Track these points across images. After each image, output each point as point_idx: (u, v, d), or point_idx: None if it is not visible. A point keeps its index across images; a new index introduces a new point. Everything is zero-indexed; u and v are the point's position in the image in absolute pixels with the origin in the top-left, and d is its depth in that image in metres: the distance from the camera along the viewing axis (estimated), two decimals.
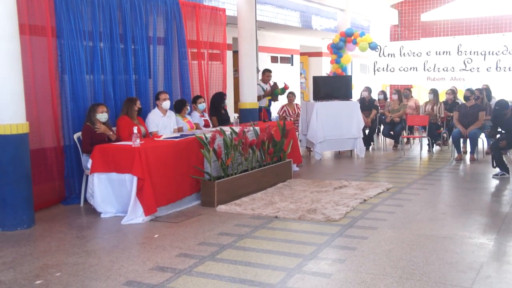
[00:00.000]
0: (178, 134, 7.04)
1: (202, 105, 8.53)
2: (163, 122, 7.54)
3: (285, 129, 7.96)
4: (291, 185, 7.58)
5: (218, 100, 9.09)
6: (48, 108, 6.61)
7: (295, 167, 8.78)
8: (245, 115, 9.76)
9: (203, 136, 6.62)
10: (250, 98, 10.14)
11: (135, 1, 7.78)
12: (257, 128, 7.79)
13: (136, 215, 5.76)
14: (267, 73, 11.11)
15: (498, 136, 8.48)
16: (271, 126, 7.86)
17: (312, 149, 10.43)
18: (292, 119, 11.19)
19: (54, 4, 6.61)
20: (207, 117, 8.71)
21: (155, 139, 6.62)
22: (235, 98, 12.96)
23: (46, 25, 6.52)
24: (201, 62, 9.22)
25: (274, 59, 16.15)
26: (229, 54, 12.80)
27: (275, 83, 11.28)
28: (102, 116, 6.61)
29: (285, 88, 11.12)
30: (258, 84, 10.77)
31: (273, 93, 11.03)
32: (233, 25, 10.86)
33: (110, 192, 5.97)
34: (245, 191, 6.88)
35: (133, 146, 5.89)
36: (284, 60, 16.74)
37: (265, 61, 15.08)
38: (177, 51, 8.60)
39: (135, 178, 5.74)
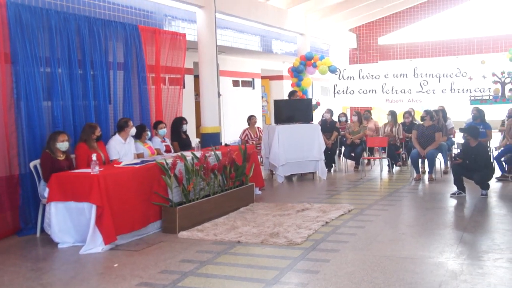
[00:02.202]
0: (138, 160, 6.94)
1: (163, 131, 8.47)
2: (124, 149, 7.44)
3: (246, 152, 7.97)
4: (254, 209, 7.55)
5: (178, 125, 9.04)
6: (2, 135, 6.40)
7: (257, 191, 8.77)
8: (207, 140, 9.73)
9: (164, 162, 6.55)
10: (211, 122, 10.13)
11: (93, 26, 7.73)
12: (218, 152, 7.76)
13: (95, 244, 5.63)
14: (295, 94, 11.57)
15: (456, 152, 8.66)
16: (233, 150, 7.86)
17: (274, 172, 10.44)
18: (254, 142, 11.22)
19: (9, 29, 6.47)
20: (168, 142, 8.64)
21: (115, 165, 6.51)
22: (196, 123, 12.93)
23: (0, 51, 6.37)
24: (161, 87, 9.18)
25: (235, 83, 16.22)
26: (190, 79, 12.82)
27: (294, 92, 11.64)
28: (63, 145, 6.44)
29: (317, 104, 11.49)
30: None
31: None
32: (194, 50, 10.89)
33: (68, 221, 5.82)
34: (207, 216, 6.82)
35: (91, 173, 5.78)
36: (246, 83, 16.84)
37: (226, 85, 15.14)
38: (136, 76, 8.56)
39: (93, 206, 5.63)
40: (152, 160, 6.80)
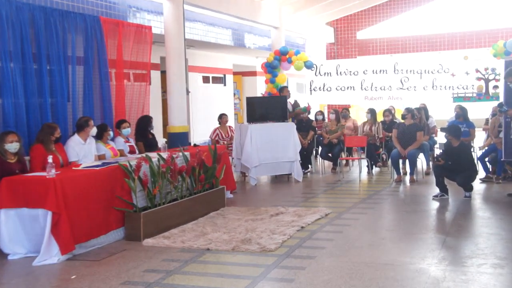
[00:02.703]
0: (99, 163, 6.83)
1: (127, 130, 8.37)
2: (84, 150, 7.31)
3: (217, 153, 7.92)
4: (225, 213, 7.51)
5: (144, 124, 8.96)
6: None
7: (228, 194, 8.73)
8: (174, 140, 9.66)
9: (127, 164, 6.45)
10: (179, 121, 10.06)
11: (50, 17, 7.56)
12: (186, 153, 7.71)
13: (51, 255, 5.48)
14: (285, 89, 11.27)
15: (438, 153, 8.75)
16: (202, 151, 7.79)
17: (246, 174, 10.43)
18: (225, 142, 11.17)
19: None
20: (132, 142, 8.56)
21: (74, 168, 6.38)
22: (163, 122, 12.82)
23: None
24: (125, 83, 9.07)
25: (205, 79, 16.14)
26: (156, 75, 12.69)
27: (295, 101, 11.35)
28: (12, 146, 6.23)
29: (308, 109, 11.46)
30: None
31: (293, 110, 11.14)
32: (161, 44, 10.79)
33: (20, 229, 5.66)
34: (175, 222, 6.75)
35: (47, 177, 5.64)
36: (217, 80, 16.78)
37: (195, 82, 15.05)
38: (98, 72, 8.42)
39: (49, 213, 5.49)
40: (114, 162, 6.69)
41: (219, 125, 11.58)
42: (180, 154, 7.57)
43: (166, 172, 6.82)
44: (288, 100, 11.20)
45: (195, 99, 14.71)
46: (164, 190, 6.81)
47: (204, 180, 7.60)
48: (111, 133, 8.03)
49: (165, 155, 7.13)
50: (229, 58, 17.11)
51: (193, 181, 7.49)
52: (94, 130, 7.45)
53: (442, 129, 8.73)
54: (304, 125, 11.63)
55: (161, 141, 8.27)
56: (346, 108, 13.24)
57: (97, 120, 8.33)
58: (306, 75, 14.14)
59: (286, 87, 11.60)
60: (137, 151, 8.48)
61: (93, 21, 8.34)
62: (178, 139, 9.70)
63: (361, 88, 13.10)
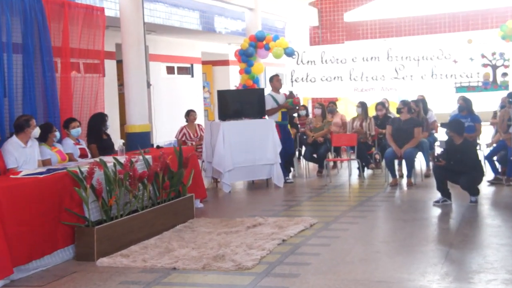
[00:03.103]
0: (44, 169, 6.74)
1: (77, 130, 8.31)
2: (24, 155, 7.20)
3: (183, 156, 7.87)
4: (194, 226, 7.49)
5: (97, 123, 8.90)
6: None
7: (198, 204, 8.73)
8: (133, 141, 9.63)
9: (78, 170, 6.37)
10: (139, 119, 9.99)
11: None
12: (148, 156, 7.67)
13: None
14: (275, 78, 11.11)
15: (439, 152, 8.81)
16: (167, 154, 7.75)
17: (219, 180, 10.40)
18: (193, 143, 11.12)
19: None
20: (83, 145, 8.50)
21: (12, 176, 6.28)
22: (120, 120, 12.73)
23: None
24: (73, 75, 8.99)
25: (170, 70, 16.09)
26: (111, 65, 12.60)
27: (291, 92, 11.22)
28: None
29: (295, 102, 11.19)
30: (269, 94, 10.87)
31: (288, 103, 11.03)
32: (116, 28, 10.71)
33: None
34: (135, 238, 6.70)
35: None
36: (183, 70, 16.72)
37: (158, 73, 14.98)
38: (40, 62, 8.30)
39: None
40: (62, 168, 6.61)
41: (186, 123, 11.52)
42: (141, 157, 7.51)
43: (124, 179, 6.75)
44: (280, 91, 11.16)
45: (158, 93, 14.63)
46: (122, 201, 6.74)
47: (169, 188, 7.55)
48: (57, 134, 7.95)
49: (122, 159, 7.07)
50: (197, 45, 17.08)
51: (156, 189, 7.44)
52: (36, 131, 7.35)
53: (443, 125, 8.79)
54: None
55: (118, 142, 8.24)
56: (333, 102, 13.31)
57: (40, 119, 8.23)
58: (286, 64, 14.19)
59: (277, 75, 11.42)
60: (89, 155, 8.40)
61: (33, 2, 8.21)
62: (138, 140, 9.65)
63: (350, 78, 13.18)
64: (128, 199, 6.89)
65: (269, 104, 10.79)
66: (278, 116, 10.93)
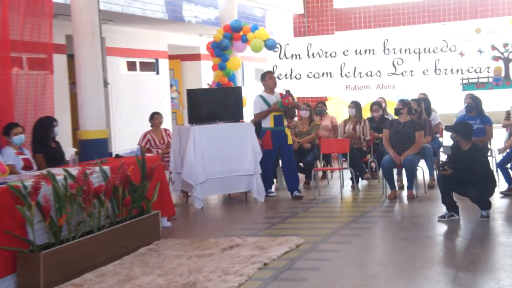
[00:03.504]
0: None
1: (20, 138, 8.28)
2: None
3: (146, 166, 7.83)
4: (160, 248, 7.46)
5: (44, 129, 8.89)
6: None
7: (165, 222, 8.71)
8: (88, 150, 9.57)
9: (20, 185, 6.30)
10: (94, 123, 9.94)
11: None
12: (106, 168, 7.60)
13: None
14: (268, 76, 10.81)
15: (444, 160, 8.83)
16: (127, 164, 7.70)
17: (190, 194, 10.37)
18: (159, 151, 11.10)
19: None
20: (28, 154, 8.46)
21: None
22: (72, 125, 12.65)
23: None
24: (15, 72, 8.98)
25: (131, 66, 16.03)
26: (61, 60, 12.52)
27: (287, 92, 10.65)
28: None
29: (284, 103, 10.47)
30: (259, 95, 10.61)
31: (278, 105, 10.52)
32: (66, 17, 10.64)
33: None
34: (90, 264, 6.64)
35: None
36: (146, 66, 16.67)
37: (117, 69, 14.91)
38: None
39: None
40: (1, 183, 6.52)
41: (150, 128, 11.49)
42: (96, 169, 7.46)
43: (77, 194, 6.70)
44: (275, 91, 10.85)
45: (117, 93, 14.57)
46: (74, 220, 6.68)
47: (131, 204, 7.50)
48: None
49: (74, 171, 7.03)
50: (163, 37, 17.04)
51: (116, 206, 7.39)
52: None
53: (448, 128, 8.82)
54: None
55: (69, 151, 8.17)
56: (322, 102, 13.31)
57: None
58: (267, 58, 14.18)
59: (270, 72, 11.10)
60: (34, 167, 8.37)
61: None
62: (93, 149, 9.58)
63: (341, 74, 13.24)
64: (81, 218, 6.82)
65: (258, 107, 10.66)
66: (269, 121, 10.67)
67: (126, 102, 15.18)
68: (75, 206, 6.70)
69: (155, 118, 11.50)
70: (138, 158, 8.11)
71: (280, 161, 11.70)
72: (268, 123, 10.68)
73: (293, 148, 11.37)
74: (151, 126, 11.50)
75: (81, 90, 10.10)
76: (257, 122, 10.95)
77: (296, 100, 11.53)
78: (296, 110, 11.67)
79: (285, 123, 10.84)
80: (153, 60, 16.94)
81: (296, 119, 12.75)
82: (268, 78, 10.89)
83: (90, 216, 6.90)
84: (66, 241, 6.49)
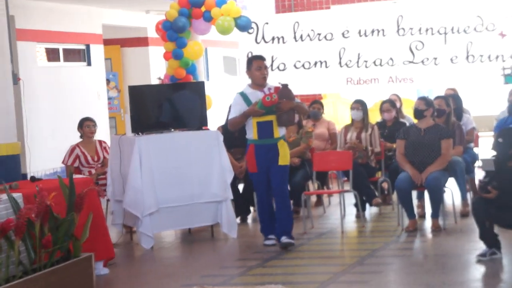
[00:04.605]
0: None
1: None
2: None
3: (74, 193, 7.81)
4: None
5: None
6: None
7: (101, 269, 8.68)
8: None
9: None
10: (1, 134, 9.90)
11: None
12: (17, 195, 7.57)
13: None
14: (255, 63, 9.84)
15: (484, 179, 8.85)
16: (47, 190, 7.66)
17: (134, 229, 10.39)
18: (92, 171, 11.06)
19: None
20: None
21: None
22: None
23: None
24: None
25: (53, 55, 15.97)
26: None
27: (284, 86, 9.77)
28: None
29: (264, 102, 9.39)
30: (240, 93, 9.78)
31: (257, 106, 9.53)
32: None
33: None
34: None
35: None
36: (73, 55, 16.64)
37: (32, 59, 14.86)
38: None
39: None
40: None
41: (80, 140, 11.45)
42: (4, 197, 7.43)
43: None
44: (267, 83, 9.84)
45: (32, 92, 14.49)
46: None
47: (53, 245, 7.46)
48: None
49: None
50: (96, 15, 17.02)
51: (31, 247, 7.34)
52: None
53: (499, 133, 8.81)
54: (238, 136, 11.01)
55: None
56: (318, 101, 13.27)
57: None
58: (239, 43, 14.20)
59: (259, 58, 9.35)
60: None
61: None
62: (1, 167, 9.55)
63: (340, 63, 13.28)
64: None
65: (235, 110, 9.78)
66: (252, 131, 9.79)
67: (46, 104, 15.10)
68: None
69: (85, 126, 11.46)
70: (62, 181, 8.08)
71: None
72: (251, 133, 9.86)
73: (285, 170, 10.22)
74: (81, 137, 11.47)
75: None
76: (232, 131, 10.60)
77: (298, 100, 10.67)
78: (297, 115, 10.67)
79: (279, 133, 9.80)
80: (83, 47, 16.89)
81: (309, 124, 12.12)
82: (254, 67, 9.88)
83: None
84: None
